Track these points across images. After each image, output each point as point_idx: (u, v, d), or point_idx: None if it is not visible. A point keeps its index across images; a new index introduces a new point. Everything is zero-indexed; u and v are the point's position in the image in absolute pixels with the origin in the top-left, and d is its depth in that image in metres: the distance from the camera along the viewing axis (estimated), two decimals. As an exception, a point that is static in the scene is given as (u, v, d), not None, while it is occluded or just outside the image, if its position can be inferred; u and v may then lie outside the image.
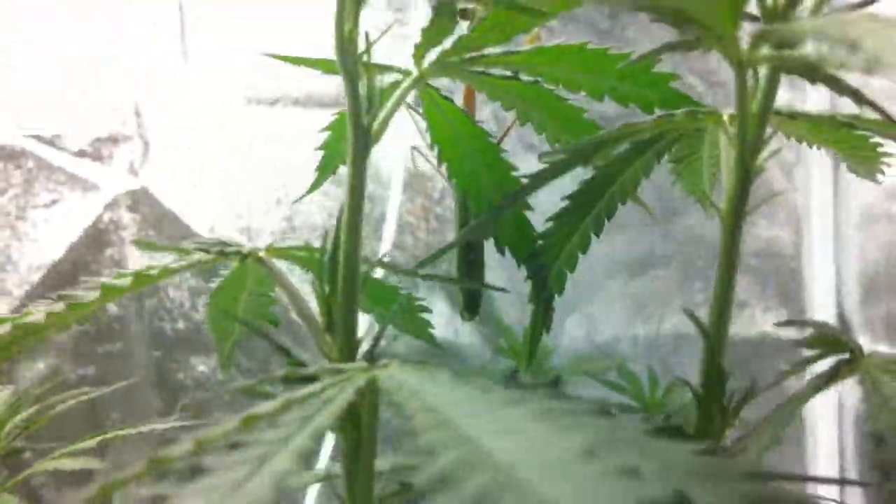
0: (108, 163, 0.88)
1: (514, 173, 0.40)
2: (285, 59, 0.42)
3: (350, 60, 0.31)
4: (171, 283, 0.88)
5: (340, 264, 0.32)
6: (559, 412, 0.19)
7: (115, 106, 0.88)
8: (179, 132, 0.90)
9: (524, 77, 0.38)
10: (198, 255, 0.37)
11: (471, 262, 0.46)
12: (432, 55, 0.34)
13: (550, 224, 0.38)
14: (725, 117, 0.34)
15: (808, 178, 0.84)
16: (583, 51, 0.36)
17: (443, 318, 0.89)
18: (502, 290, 0.43)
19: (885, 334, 0.81)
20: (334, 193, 0.91)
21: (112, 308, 0.85)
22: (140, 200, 0.88)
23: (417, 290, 0.89)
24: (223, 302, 0.44)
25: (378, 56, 0.33)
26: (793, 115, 0.36)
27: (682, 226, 0.87)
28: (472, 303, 0.47)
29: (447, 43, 0.34)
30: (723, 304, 0.32)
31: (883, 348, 0.81)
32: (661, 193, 0.88)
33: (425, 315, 0.46)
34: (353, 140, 0.32)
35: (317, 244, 0.91)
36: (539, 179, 0.36)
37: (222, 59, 0.91)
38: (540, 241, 0.38)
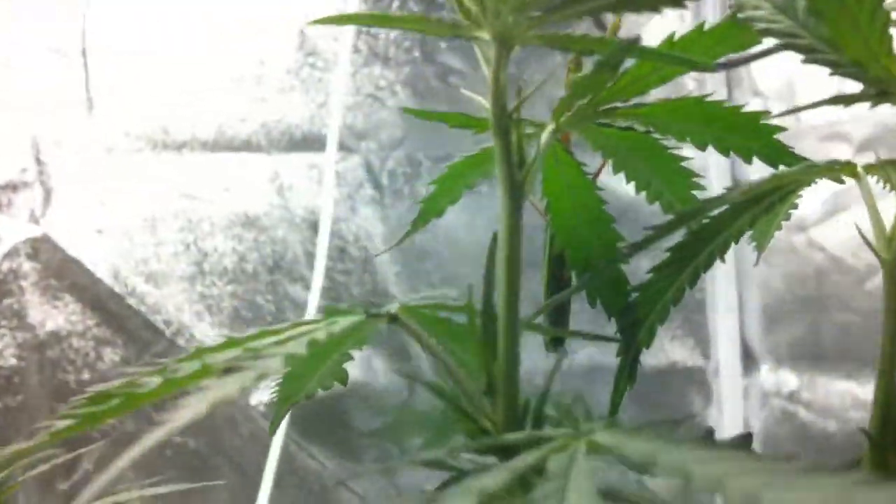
0: (6, 210, 0.88)
1: (614, 226, 0.41)
2: (430, 115, 0.42)
3: (503, 117, 0.31)
4: (76, 332, 0.88)
5: (500, 321, 0.31)
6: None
7: (14, 152, 0.88)
8: (83, 177, 0.91)
9: (638, 127, 0.39)
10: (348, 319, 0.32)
11: (559, 305, 0.46)
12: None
13: (648, 277, 0.37)
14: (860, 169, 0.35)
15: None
16: (700, 103, 0.37)
17: (358, 357, 0.91)
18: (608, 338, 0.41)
19: (787, 360, 0.87)
20: (245, 237, 0.92)
21: (10, 360, 0.84)
22: (41, 248, 0.87)
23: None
24: (302, 363, 0.40)
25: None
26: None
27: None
28: (558, 339, 0.48)
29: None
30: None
31: (785, 373, 0.87)
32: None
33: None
34: (507, 198, 0.31)
35: (228, 289, 0.91)
36: (644, 242, 0.36)
37: (128, 102, 0.92)
38: (634, 294, 0.38)
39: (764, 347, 0.88)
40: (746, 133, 0.38)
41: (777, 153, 0.38)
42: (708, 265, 0.36)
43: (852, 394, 0.82)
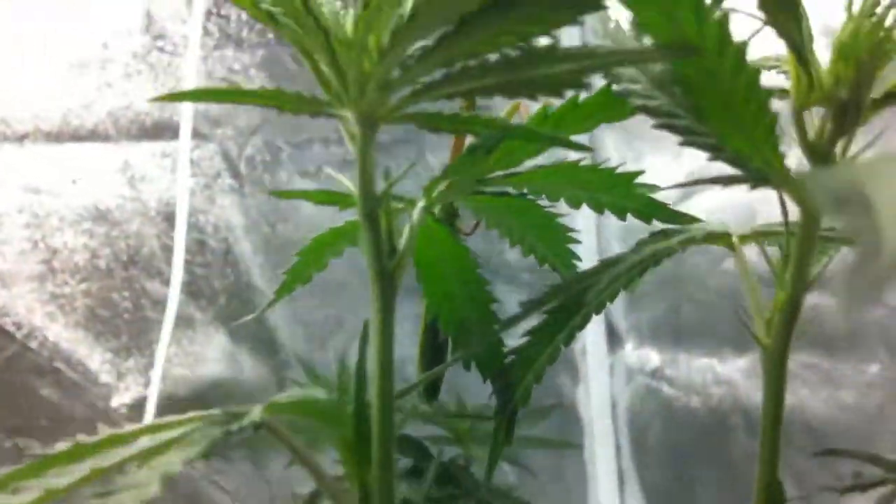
0: None
1: (488, 289, 0.42)
2: (292, 194, 0.41)
3: (370, 200, 0.30)
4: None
5: (374, 423, 0.30)
6: None
7: None
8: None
9: (511, 190, 0.39)
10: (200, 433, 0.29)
11: (436, 349, 0.47)
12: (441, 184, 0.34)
13: (524, 340, 0.37)
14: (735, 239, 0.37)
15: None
16: (574, 168, 0.38)
17: (223, 352, 0.89)
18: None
19: (649, 338, 0.89)
20: (97, 232, 0.89)
21: None
22: None
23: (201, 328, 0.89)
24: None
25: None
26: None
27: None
28: (433, 387, 0.48)
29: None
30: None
31: (648, 351, 0.89)
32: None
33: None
34: (378, 290, 0.30)
35: (81, 287, 0.88)
36: (518, 317, 0.36)
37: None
38: (511, 356, 0.38)
39: (627, 326, 0.90)
40: (620, 193, 0.39)
41: (651, 210, 0.40)
42: (583, 326, 0.36)
43: (713, 370, 0.85)
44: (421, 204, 0.35)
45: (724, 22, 0.26)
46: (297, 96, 0.29)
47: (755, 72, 0.27)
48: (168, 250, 0.90)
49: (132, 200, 0.90)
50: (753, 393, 0.79)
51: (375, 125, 0.29)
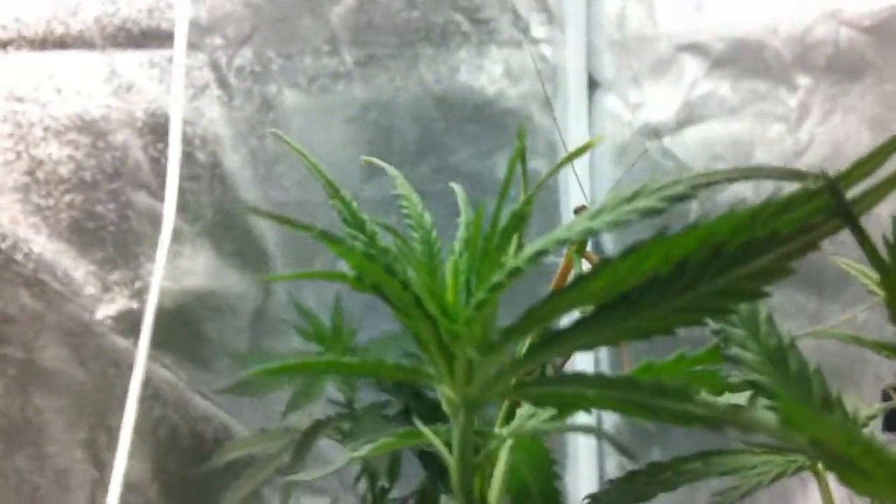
0: None
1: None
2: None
3: (467, 475, 0.32)
4: None
5: None
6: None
7: None
8: None
9: None
10: None
11: None
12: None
13: None
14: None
15: (564, 112, 0.92)
16: None
17: (210, 265, 0.91)
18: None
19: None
20: (82, 143, 0.90)
21: None
22: None
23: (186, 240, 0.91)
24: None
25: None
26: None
27: (448, 161, 0.92)
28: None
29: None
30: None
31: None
32: (427, 128, 0.93)
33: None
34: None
35: (66, 199, 0.89)
36: None
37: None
38: None
39: (615, 246, 0.92)
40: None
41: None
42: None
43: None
44: (509, 443, 0.36)
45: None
46: (400, 367, 0.30)
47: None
48: (155, 162, 0.91)
49: (118, 111, 0.90)
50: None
51: (478, 406, 0.31)
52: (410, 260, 0.33)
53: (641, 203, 0.26)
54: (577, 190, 0.90)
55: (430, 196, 0.88)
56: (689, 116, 0.86)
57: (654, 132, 0.88)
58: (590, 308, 0.26)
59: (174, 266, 0.90)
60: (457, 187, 0.40)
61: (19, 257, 0.89)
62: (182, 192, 0.91)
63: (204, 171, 0.92)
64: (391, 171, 0.41)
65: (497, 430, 0.40)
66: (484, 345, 0.29)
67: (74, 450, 0.91)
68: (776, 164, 0.80)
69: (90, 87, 0.90)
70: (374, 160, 0.45)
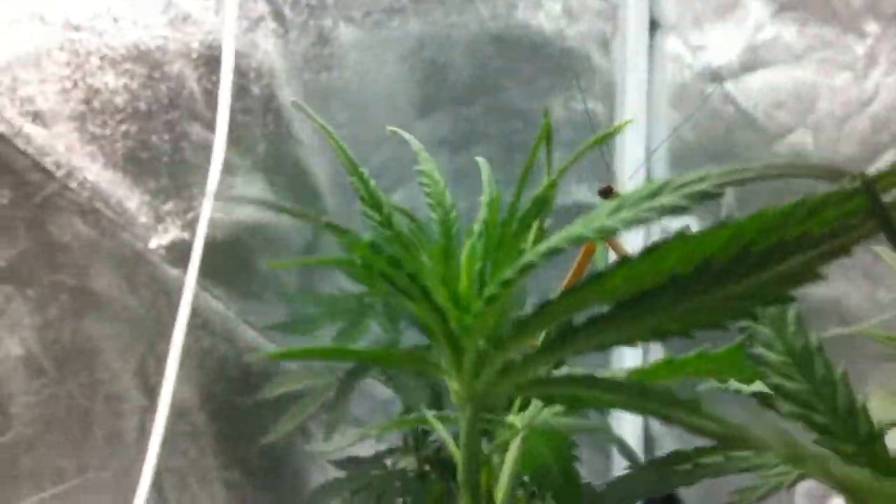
0: None
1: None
2: None
3: (473, 473, 0.32)
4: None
5: None
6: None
7: None
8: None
9: None
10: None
11: None
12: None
13: None
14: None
15: (623, 53, 0.91)
16: None
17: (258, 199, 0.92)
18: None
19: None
20: (138, 73, 0.90)
21: None
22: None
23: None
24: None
25: None
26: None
27: (502, 100, 0.92)
28: None
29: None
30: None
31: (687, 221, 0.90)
32: (482, 66, 0.93)
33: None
34: None
35: (121, 129, 0.90)
36: None
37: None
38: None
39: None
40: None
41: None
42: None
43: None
44: (521, 434, 0.36)
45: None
46: (410, 356, 0.30)
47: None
48: (209, 94, 0.91)
49: (174, 41, 0.91)
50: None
51: (489, 404, 0.30)
52: (424, 245, 0.32)
53: (665, 199, 0.24)
54: (634, 135, 0.89)
55: (481, 136, 0.88)
56: (751, 61, 0.85)
57: (715, 75, 0.86)
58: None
59: (226, 198, 0.91)
60: (482, 162, 0.39)
61: (74, 185, 0.90)
62: (235, 125, 0.91)
63: (258, 105, 0.92)
64: (414, 143, 0.40)
65: (511, 418, 0.40)
66: (494, 338, 0.28)
67: (125, 377, 0.93)
68: (840, 114, 0.79)
69: (147, 17, 0.91)
70: (399, 131, 0.44)
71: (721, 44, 0.86)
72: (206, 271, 0.91)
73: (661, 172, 0.91)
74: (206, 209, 0.88)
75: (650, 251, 0.23)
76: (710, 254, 0.23)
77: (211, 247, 0.88)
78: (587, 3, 0.91)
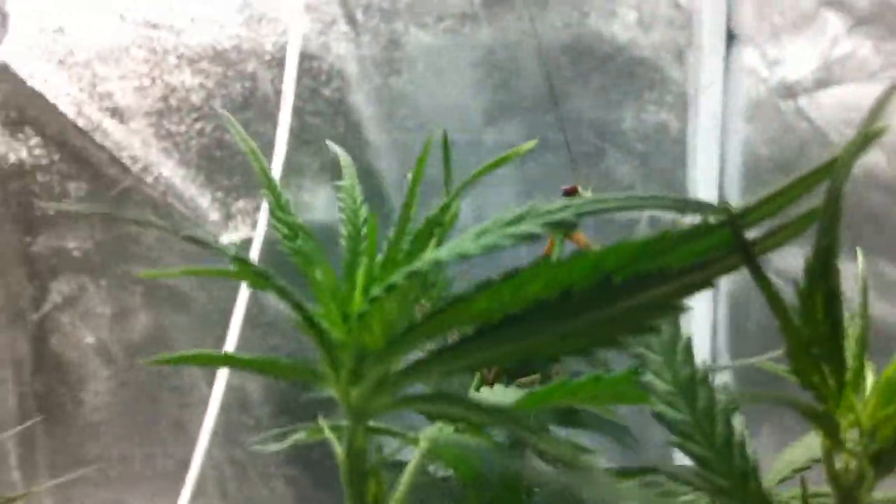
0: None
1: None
2: None
3: (357, 480, 0.32)
4: (40, 166, 0.90)
5: None
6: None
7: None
8: (44, 2, 0.91)
9: None
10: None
11: None
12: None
13: None
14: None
15: (698, 64, 0.90)
16: None
17: (330, 201, 0.94)
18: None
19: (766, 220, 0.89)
20: (213, 72, 0.93)
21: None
22: (0, 78, 0.89)
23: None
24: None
25: None
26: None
27: (572, 109, 0.92)
28: None
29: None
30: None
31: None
32: (553, 74, 0.93)
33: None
34: None
35: (196, 126, 0.93)
36: None
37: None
38: None
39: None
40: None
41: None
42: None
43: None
44: (423, 446, 0.35)
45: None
46: (294, 366, 0.31)
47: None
48: (281, 95, 0.93)
49: (249, 41, 0.93)
50: None
51: (367, 417, 0.30)
52: (318, 262, 0.33)
53: (523, 227, 0.24)
54: (707, 147, 0.88)
55: (550, 145, 0.88)
56: (826, 77, 0.84)
57: (790, 91, 0.85)
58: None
59: (295, 200, 0.93)
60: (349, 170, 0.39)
61: (149, 180, 0.93)
62: (306, 128, 0.93)
63: (328, 107, 0.94)
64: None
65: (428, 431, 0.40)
66: (371, 353, 0.29)
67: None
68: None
69: (223, 16, 0.93)
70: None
71: (797, 58, 0.85)
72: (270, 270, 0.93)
73: (734, 187, 0.90)
74: (266, 208, 0.90)
75: (511, 276, 0.24)
76: (573, 282, 0.23)
77: (274, 247, 0.90)
78: (661, 13, 0.90)
